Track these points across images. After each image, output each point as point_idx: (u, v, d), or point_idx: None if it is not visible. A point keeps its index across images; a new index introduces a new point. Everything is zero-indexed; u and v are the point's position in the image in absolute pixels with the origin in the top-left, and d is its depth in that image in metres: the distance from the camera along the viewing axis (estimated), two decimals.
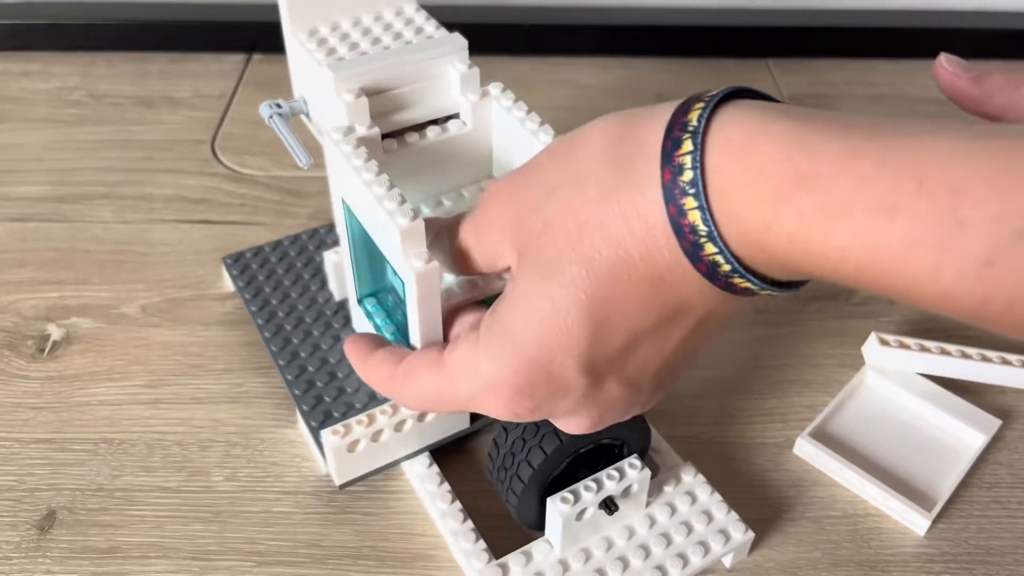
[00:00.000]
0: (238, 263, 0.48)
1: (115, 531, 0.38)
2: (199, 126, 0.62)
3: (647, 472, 0.35)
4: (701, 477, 0.38)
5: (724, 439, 0.42)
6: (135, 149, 0.60)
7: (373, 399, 0.41)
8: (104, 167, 0.59)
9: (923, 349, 0.43)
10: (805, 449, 0.41)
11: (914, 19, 0.72)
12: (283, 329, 0.44)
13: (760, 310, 0.49)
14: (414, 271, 0.32)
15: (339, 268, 0.44)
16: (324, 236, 0.50)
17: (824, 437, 0.41)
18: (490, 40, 0.70)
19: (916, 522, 0.38)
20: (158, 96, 0.66)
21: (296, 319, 0.45)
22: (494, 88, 0.38)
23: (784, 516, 0.39)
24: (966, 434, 0.42)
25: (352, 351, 0.33)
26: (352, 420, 0.37)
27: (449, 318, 0.33)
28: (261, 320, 0.45)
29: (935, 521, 0.38)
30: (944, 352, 0.43)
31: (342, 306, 0.46)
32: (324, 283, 0.47)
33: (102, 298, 0.49)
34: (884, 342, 0.43)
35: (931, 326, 0.47)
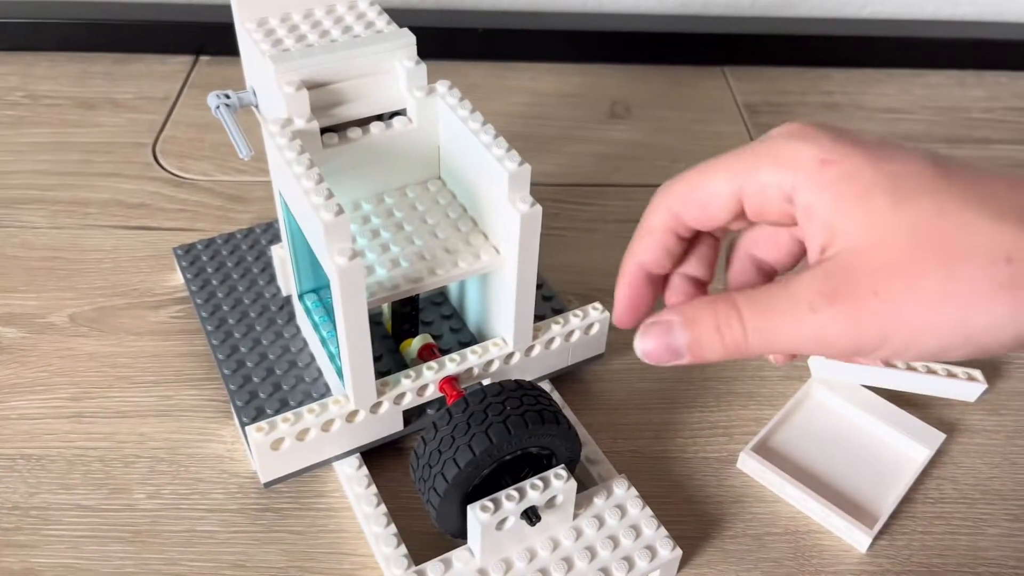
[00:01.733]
0: (188, 254, 0.48)
1: (30, 551, 0.36)
2: (141, 129, 0.61)
3: (573, 483, 0.34)
4: (633, 491, 0.37)
5: (666, 453, 0.41)
6: (73, 152, 0.58)
7: (309, 397, 0.40)
8: (39, 171, 0.57)
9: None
10: (748, 464, 0.40)
11: (868, 28, 0.72)
12: (226, 323, 0.44)
13: None
14: (336, 267, 0.31)
15: (285, 263, 0.43)
16: (278, 230, 0.49)
17: (767, 451, 0.41)
18: (443, 44, 0.69)
19: (857, 539, 0.37)
20: (99, 97, 0.64)
21: (240, 313, 0.44)
22: (441, 86, 0.37)
23: (724, 533, 0.38)
24: (910, 448, 0.41)
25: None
26: (278, 418, 0.36)
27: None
28: (205, 312, 0.44)
29: (877, 537, 0.38)
30: (890, 364, 0.42)
31: (288, 302, 0.45)
32: (272, 278, 0.46)
33: (29, 307, 0.47)
34: None
35: None
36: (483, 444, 0.32)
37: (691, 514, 0.39)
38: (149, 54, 0.68)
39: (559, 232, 0.54)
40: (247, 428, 0.36)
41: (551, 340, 0.41)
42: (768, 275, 0.30)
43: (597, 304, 0.42)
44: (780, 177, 0.26)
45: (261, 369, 0.41)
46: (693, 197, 0.28)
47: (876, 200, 0.25)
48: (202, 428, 0.41)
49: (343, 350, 0.34)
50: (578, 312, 0.42)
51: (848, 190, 0.25)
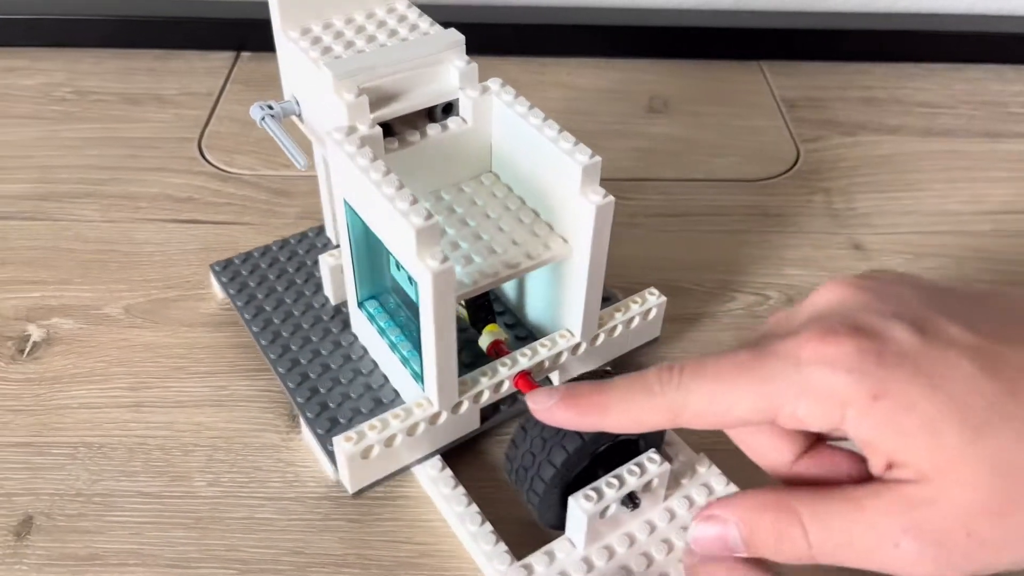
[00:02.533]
0: (227, 270, 0.47)
1: (94, 537, 0.37)
2: (186, 124, 0.62)
3: (667, 466, 0.34)
4: (715, 468, 0.37)
5: (724, 447, 0.41)
6: (120, 147, 0.59)
7: (379, 404, 0.40)
8: (89, 165, 0.58)
9: None
10: None
11: (907, 22, 0.71)
12: (280, 336, 0.43)
13: (756, 314, 0.48)
14: (430, 271, 0.31)
15: (335, 272, 0.43)
16: (314, 239, 0.49)
17: None
18: (479, 40, 0.69)
19: None
20: (144, 93, 0.65)
21: (293, 325, 0.44)
22: (493, 84, 0.38)
23: None
24: None
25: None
26: (364, 425, 0.36)
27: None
28: (256, 327, 0.44)
29: None
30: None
31: (338, 310, 0.44)
32: (318, 288, 0.46)
33: (84, 298, 0.48)
34: None
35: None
36: (576, 443, 0.32)
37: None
38: (191, 50, 0.69)
39: None
40: (335, 439, 0.36)
41: (614, 328, 0.41)
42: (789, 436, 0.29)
43: (653, 289, 0.43)
44: (823, 413, 0.25)
45: (326, 379, 0.41)
46: (709, 418, 0.26)
47: (946, 434, 0.23)
48: (257, 418, 0.42)
49: (429, 353, 0.34)
50: (636, 299, 0.42)
51: (909, 424, 0.24)
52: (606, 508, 0.33)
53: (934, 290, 0.27)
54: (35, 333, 0.46)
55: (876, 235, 0.54)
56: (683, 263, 0.51)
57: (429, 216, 0.31)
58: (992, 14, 0.73)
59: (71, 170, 0.57)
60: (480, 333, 0.42)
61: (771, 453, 0.29)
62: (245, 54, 0.69)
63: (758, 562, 0.28)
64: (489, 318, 0.42)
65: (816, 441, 0.29)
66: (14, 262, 0.50)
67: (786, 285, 0.50)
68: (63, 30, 0.69)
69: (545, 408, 0.29)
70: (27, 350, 0.45)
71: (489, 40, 0.69)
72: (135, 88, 0.65)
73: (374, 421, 0.36)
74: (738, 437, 0.30)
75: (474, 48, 0.67)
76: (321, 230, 0.49)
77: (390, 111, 0.37)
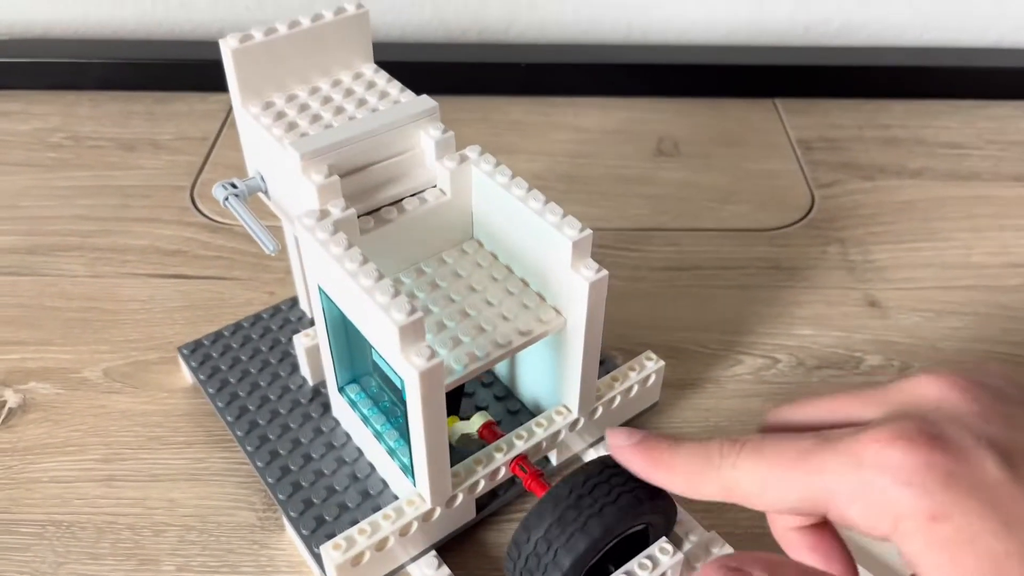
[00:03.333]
0: (196, 353, 0.44)
1: None
2: (179, 171, 0.60)
3: (680, 556, 0.32)
4: (728, 547, 0.35)
5: (730, 526, 0.39)
6: (112, 196, 0.58)
7: (367, 496, 0.37)
8: (79, 215, 0.56)
9: None
10: None
11: (930, 57, 0.68)
12: (257, 425, 0.41)
13: (763, 380, 0.45)
14: (417, 369, 0.29)
15: (311, 352, 0.41)
16: (287, 313, 0.46)
17: None
18: (485, 80, 0.67)
19: None
20: (140, 139, 0.64)
21: (270, 412, 0.41)
22: (471, 152, 0.36)
23: None
24: None
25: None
26: (354, 531, 0.33)
27: None
28: (231, 417, 0.41)
29: None
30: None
31: (317, 392, 0.42)
32: (294, 367, 0.43)
33: (64, 360, 0.46)
34: None
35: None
36: (584, 542, 0.30)
37: None
38: (190, 92, 0.68)
39: None
40: (323, 547, 0.33)
41: (613, 399, 0.39)
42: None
43: (651, 354, 0.40)
44: (875, 522, 0.23)
45: (308, 472, 0.38)
46: (761, 503, 0.25)
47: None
48: (233, 494, 0.40)
49: (419, 452, 0.32)
50: (634, 366, 0.40)
51: (967, 559, 0.22)
52: None
53: None
54: (11, 399, 0.44)
55: (894, 290, 0.51)
56: (689, 322, 0.49)
57: (412, 311, 0.29)
58: (1018, 47, 0.70)
59: (61, 221, 0.56)
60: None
61: (802, 557, 0.28)
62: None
63: None
64: (455, 406, 0.39)
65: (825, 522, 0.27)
66: None
67: (796, 347, 0.47)
68: (61, 73, 0.68)
69: (620, 447, 0.29)
70: (2, 417, 0.43)
71: (496, 80, 0.68)
72: (131, 133, 0.64)
73: (363, 525, 0.33)
74: (775, 531, 0.29)
75: (480, 88, 0.66)
76: (295, 302, 0.47)
77: (368, 204, 0.35)
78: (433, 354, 0.29)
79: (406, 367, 0.29)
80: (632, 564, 0.32)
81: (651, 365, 0.40)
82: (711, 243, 0.54)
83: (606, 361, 0.43)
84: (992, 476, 0.22)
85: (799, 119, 0.66)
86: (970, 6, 0.70)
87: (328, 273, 0.32)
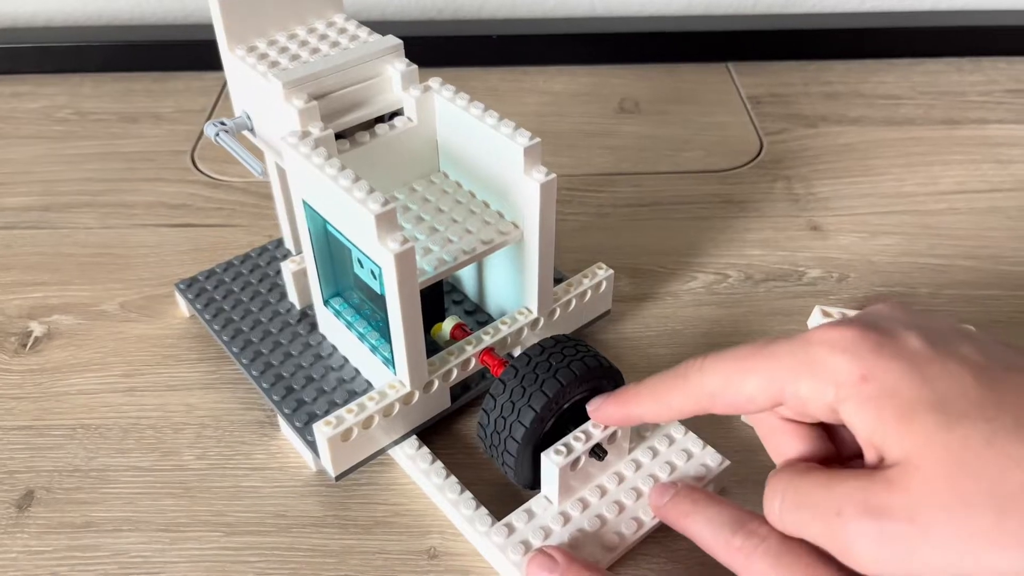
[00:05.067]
0: (192, 287, 0.48)
1: (90, 507, 0.39)
2: (180, 138, 0.65)
3: None
4: (676, 421, 0.40)
5: None
6: (118, 161, 0.63)
7: (353, 395, 0.42)
8: (88, 178, 0.61)
9: None
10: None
11: (869, 20, 0.74)
12: (251, 343, 0.45)
13: (715, 292, 0.50)
14: (392, 253, 0.33)
15: (298, 276, 0.45)
16: (274, 252, 0.51)
17: None
18: (462, 52, 0.73)
19: None
20: (142, 112, 0.68)
21: (262, 332, 0.45)
22: (434, 82, 0.41)
23: (731, 478, 0.40)
24: None
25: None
26: (342, 410, 0.38)
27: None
28: (227, 337, 0.45)
29: None
30: None
31: (304, 314, 0.46)
32: (283, 295, 0.47)
33: (83, 297, 0.51)
34: (827, 315, 0.45)
35: (875, 302, 0.49)
36: (541, 400, 0.35)
37: None
38: (186, 71, 0.73)
39: (572, 217, 0.57)
40: (315, 425, 0.37)
41: (569, 302, 0.44)
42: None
43: (601, 264, 0.45)
44: (819, 391, 0.26)
45: (300, 377, 0.42)
46: (724, 399, 0.29)
47: (920, 420, 0.24)
48: (244, 398, 0.45)
49: (397, 335, 0.36)
50: (587, 273, 0.45)
51: (888, 407, 0.24)
52: (576, 460, 0.36)
53: (968, 329, 0.28)
54: (36, 329, 0.49)
55: (834, 216, 0.56)
56: (649, 248, 0.54)
57: (386, 202, 0.33)
58: (951, 9, 0.76)
59: (71, 183, 0.61)
60: (428, 329, 0.44)
61: (786, 448, 0.30)
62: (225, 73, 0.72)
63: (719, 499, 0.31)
64: (439, 314, 0.44)
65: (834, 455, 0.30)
66: (18, 267, 0.53)
67: (746, 264, 0.52)
68: (66, 57, 0.73)
69: (595, 409, 0.35)
70: (29, 344, 0.48)
71: (472, 52, 0.73)
72: (133, 108, 0.69)
73: (351, 405, 0.38)
74: (762, 433, 0.31)
75: (457, 60, 0.71)
76: (280, 243, 0.51)
77: (342, 123, 0.40)
78: (406, 240, 0.34)
79: (382, 252, 0.34)
80: (587, 425, 0.36)
81: (602, 273, 0.45)
82: (669, 183, 0.60)
83: (563, 279, 0.48)
84: (915, 346, 0.25)
85: (749, 79, 0.72)
86: None
87: (311, 183, 0.37)
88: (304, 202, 0.38)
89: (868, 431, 0.25)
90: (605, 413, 0.35)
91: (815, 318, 0.45)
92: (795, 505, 0.26)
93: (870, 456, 0.25)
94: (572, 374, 0.35)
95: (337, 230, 0.37)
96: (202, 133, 0.66)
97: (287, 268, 0.46)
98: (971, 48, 0.73)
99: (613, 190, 0.59)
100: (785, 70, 0.73)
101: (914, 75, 0.72)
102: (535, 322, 0.43)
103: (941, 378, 0.24)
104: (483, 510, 0.37)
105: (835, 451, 0.30)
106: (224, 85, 0.71)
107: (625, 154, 0.63)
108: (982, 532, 0.22)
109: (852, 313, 0.45)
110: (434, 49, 0.71)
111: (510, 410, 0.35)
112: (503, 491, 0.39)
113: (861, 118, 0.66)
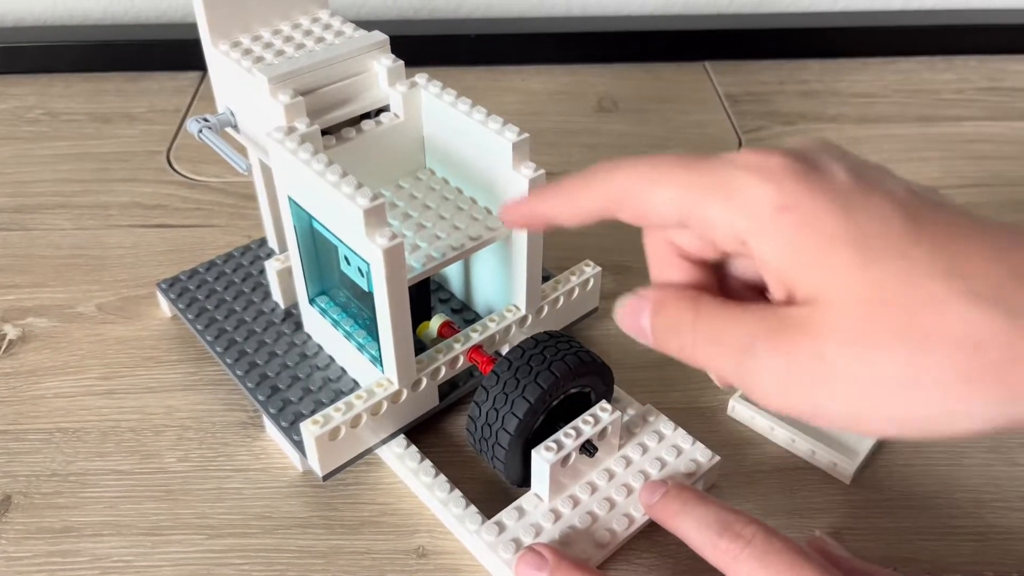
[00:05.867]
0: (174, 287, 0.47)
1: (69, 512, 0.39)
2: (154, 139, 0.64)
3: (618, 414, 0.37)
4: (663, 416, 0.40)
5: (664, 405, 0.44)
6: (92, 161, 0.62)
7: (340, 394, 0.41)
8: (61, 179, 0.60)
9: None
10: (738, 411, 0.43)
11: (842, 20, 0.75)
12: (235, 342, 0.44)
13: None
14: (380, 248, 0.33)
15: (283, 275, 0.45)
16: (257, 251, 0.50)
17: None
18: (438, 52, 0.72)
19: (842, 471, 0.40)
20: (115, 112, 0.67)
21: (246, 331, 0.45)
22: (420, 78, 0.41)
23: (720, 474, 0.40)
24: None
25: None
26: (330, 409, 0.37)
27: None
28: (210, 337, 0.44)
29: (860, 470, 0.40)
30: None
31: (289, 313, 0.46)
32: (267, 294, 0.47)
33: (58, 299, 0.50)
34: None
35: None
36: (536, 392, 0.35)
37: None
38: (159, 72, 0.72)
39: None
40: (302, 424, 0.37)
41: (557, 299, 0.44)
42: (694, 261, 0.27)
43: (589, 261, 0.45)
44: (731, 218, 0.24)
45: (285, 377, 0.42)
46: (631, 203, 0.26)
47: (837, 255, 0.22)
48: (225, 399, 0.44)
49: (385, 331, 0.36)
50: (574, 271, 0.45)
51: (806, 241, 0.23)
52: (566, 457, 0.35)
53: (900, 177, 0.25)
54: (11, 332, 0.48)
55: None
56: (631, 246, 0.53)
57: (375, 197, 0.33)
58: (923, 8, 0.77)
59: (44, 184, 0.59)
60: (415, 328, 0.43)
61: (672, 274, 0.27)
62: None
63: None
64: (426, 313, 0.44)
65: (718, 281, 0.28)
66: None
67: None
68: (35, 57, 0.72)
69: (505, 209, 0.31)
70: (3, 347, 0.47)
71: (449, 52, 0.73)
72: (105, 108, 0.68)
73: (339, 404, 0.37)
74: (651, 252, 0.28)
75: (433, 60, 0.71)
76: (263, 242, 0.51)
77: (328, 119, 0.39)
78: (395, 235, 0.33)
79: (371, 248, 0.33)
80: (577, 421, 0.36)
81: (589, 270, 0.45)
82: None
83: (549, 277, 0.48)
84: (840, 179, 0.23)
85: (726, 78, 0.72)
86: None
87: (297, 179, 0.36)
88: (290, 198, 0.38)
89: (781, 265, 0.23)
90: (515, 212, 0.31)
91: None
92: (708, 339, 0.24)
93: (778, 293, 0.24)
94: (566, 367, 0.35)
95: (324, 227, 0.36)
96: (177, 133, 0.65)
97: (271, 267, 0.45)
98: (943, 47, 0.74)
99: None
100: (761, 69, 0.73)
101: (888, 74, 0.72)
102: (523, 319, 0.42)
103: (865, 212, 0.22)
104: (473, 508, 0.37)
105: (717, 288, 0.27)
106: (199, 85, 0.70)
107: (605, 152, 0.63)
108: (890, 375, 0.21)
109: None
110: (410, 49, 0.70)
111: (503, 402, 0.35)
112: (492, 489, 0.39)
113: (838, 116, 0.67)
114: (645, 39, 0.74)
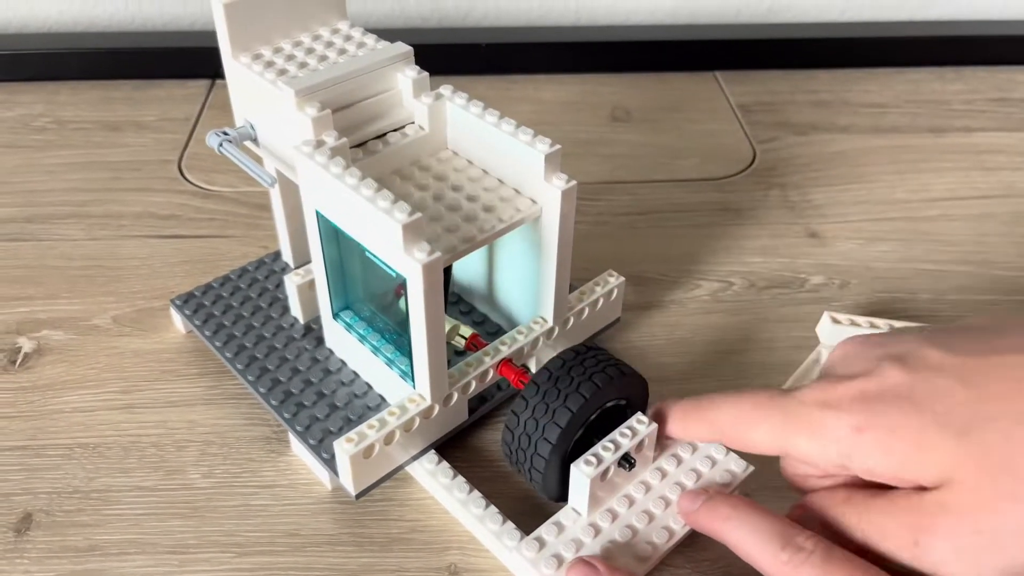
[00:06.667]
0: (189, 303, 0.47)
1: (93, 530, 0.38)
2: (165, 147, 0.64)
3: (654, 426, 0.36)
4: None
5: None
6: (102, 170, 0.61)
7: (368, 410, 0.41)
8: (71, 188, 0.59)
9: (872, 326, 0.45)
10: None
11: (851, 30, 0.76)
12: (255, 359, 0.43)
13: (720, 299, 0.50)
14: (420, 263, 0.32)
15: (303, 290, 0.44)
16: (271, 265, 0.49)
17: None
18: (448, 61, 0.72)
19: None
20: (124, 120, 0.67)
21: (266, 347, 0.44)
22: (445, 90, 0.40)
23: (751, 485, 0.40)
24: None
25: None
26: (363, 426, 0.36)
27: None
28: (230, 353, 0.44)
29: None
30: (893, 329, 0.45)
31: (309, 328, 0.45)
32: (285, 309, 0.46)
33: (73, 311, 0.49)
34: (836, 321, 0.45)
35: (879, 308, 0.50)
36: (579, 402, 0.34)
37: None
38: (168, 79, 0.71)
39: None
40: (336, 442, 0.36)
41: (582, 311, 0.43)
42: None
43: (612, 272, 0.45)
44: (821, 449, 0.29)
45: (310, 393, 0.41)
46: (735, 437, 0.32)
47: (935, 445, 0.26)
48: (248, 413, 0.43)
49: (420, 347, 0.35)
50: (599, 282, 0.44)
51: (896, 445, 0.27)
52: (606, 471, 0.35)
53: (927, 329, 0.31)
54: (26, 345, 0.47)
55: (830, 223, 0.57)
56: (650, 256, 0.54)
57: (412, 212, 0.32)
58: (930, 19, 0.77)
59: (54, 193, 0.59)
60: None
61: (803, 481, 0.33)
62: (221, 81, 0.71)
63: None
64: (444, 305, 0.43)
65: None
66: (1, 281, 0.51)
67: (748, 272, 0.52)
68: (41, 64, 0.71)
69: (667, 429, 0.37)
70: (19, 361, 0.46)
71: (459, 61, 0.73)
72: (114, 116, 0.67)
73: (372, 420, 0.37)
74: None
75: (444, 68, 0.70)
76: (278, 255, 0.50)
77: (356, 137, 0.39)
78: (433, 250, 0.33)
79: (410, 263, 0.33)
80: (614, 434, 0.36)
81: (613, 280, 0.45)
82: (665, 192, 0.60)
83: (572, 288, 0.47)
84: (895, 379, 0.28)
85: (737, 87, 0.72)
86: None
87: (327, 193, 0.36)
88: (317, 212, 0.37)
89: (890, 470, 0.27)
90: (666, 429, 0.37)
91: (824, 324, 0.45)
92: (875, 535, 0.28)
93: (905, 487, 0.27)
94: (608, 377, 0.35)
95: (357, 241, 0.36)
96: (188, 142, 0.64)
97: (291, 281, 0.44)
98: (952, 57, 0.75)
99: (610, 198, 0.59)
100: (771, 79, 0.73)
101: (897, 84, 0.73)
102: (550, 331, 0.42)
103: (930, 396, 0.26)
104: (510, 524, 0.36)
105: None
106: (209, 93, 0.70)
107: (620, 162, 0.63)
108: None
109: (860, 319, 0.45)
110: (420, 57, 0.70)
111: (543, 411, 0.35)
112: (525, 504, 0.39)
113: (850, 126, 0.67)
114: (656, 48, 0.74)
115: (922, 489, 0.27)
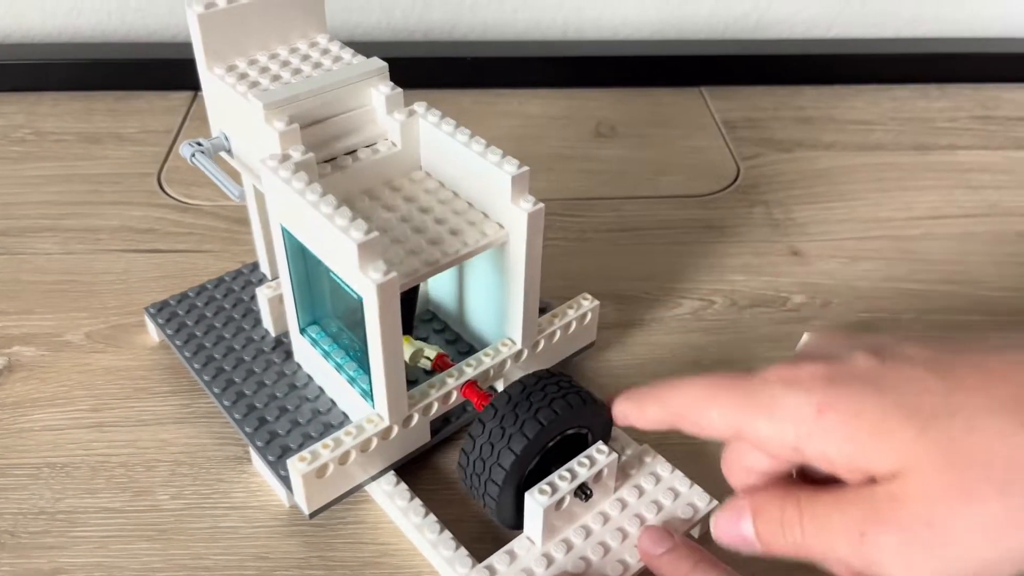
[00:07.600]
0: (162, 312, 0.46)
1: (58, 552, 0.37)
2: (145, 160, 0.63)
3: (614, 456, 0.36)
4: (660, 457, 0.39)
5: (662, 445, 0.43)
6: (80, 183, 0.60)
7: (329, 427, 0.40)
8: (49, 200, 0.59)
9: None
10: None
11: (836, 47, 0.76)
12: (223, 370, 0.43)
13: (701, 318, 0.50)
14: (374, 283, 0.32)
15: (274, 303, 0.44)
16: (249, 276, 0.49)
17: None
18: (434, 74, 0.72)
19: None
20: (104, 132, 0.66)
21: (235, 359, 0.44)
22: (419, 107, 0.40)
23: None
24: None
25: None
26: (318, 445, 0.36)
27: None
28: (198, 364, 0.43)
29: None
30: None
31: (279, 342, 0.45)
32: (257, 321, 0.46)
33: (45, 327, 0.49)
34: None
35: (861, 328, 0.49)
36: (535, 428, 0.33)
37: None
38: (150, 91, 0.71)
39: (552, 242, 0.56)
40: (289, 460, 0.36)
41: (553, 334, 0.43)
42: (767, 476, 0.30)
43: (587, 295, 0.44)
44: (779, 430, 0.26)
45: (273, 408, 0.41)
46: (691, 418, 0.29)
47: (895, 432, 0.24)
48: (220, 432, 0.43)
49: (378, 367, 0.35)
50: (572, 304, 0.44)
51: (857, 429, 0.25)
52: (560, 500, 0.34)
53: (904, 334, 0.30)
54: None
55: (813, 242, 0.56)
56: (632, 274, 0.53)
57: (369, 231, 0.32)
58: (915, 37, 0.77)
59: (31, 206, 0.58)
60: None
61: (752, 476, 0.30)
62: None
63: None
64: (407, 328, 0.42)
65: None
66: None
67: (730, 290, 0.52)
68: (22, 75, 0.70)
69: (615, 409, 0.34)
70: None
71: (444, 74, 0.72)
72: (94, 127, 0.67)
73: (327, 440, 0.36)
74: (726, 468, 0.32)
75: (429, 82, 0.70)
76: (255, 267, 0.50)
77: (325, 153, 0.38)
78: (388, 270, 0.32)
79: (364, 282, 0.32)
80: (572, 463, 0.35)
81: (587, 304, 0.44)
82: (649, 208, 0.59)
83: (547, 307, 0.47)
84: (865, 366, 0.26)
85: (723, 103, 0.72)
86: (870, 6, 0.77)
87: (290, 208, 0.35)
88: (282, 227, 0.37)
89: (846, 458, 0.25)
90: (616, 412, 0.34)
91: (804, 343, 0.45)
92: (818, 532, 0.26)
93: (855, 479, 0.26)
94: (567, 405, 0.34)
95: (317, 257, 0.35)
96: (169, 154, 0.64)
97: (263, 294, 0.44)
98: (937, 75, 0.74)
99: (592, 215, 0.59)
100: (757, 95, 0.73)
101: (883, 101, 0.73)
102: (518, 354, 0.42)
103: (898, 383, 0.25)
104: (463, 551, 0.36)
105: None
106: (191, 105, 0.69)
107: (603, 178, 0.63)
108: (993, 517, 0.23)
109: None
110: (405, 71, 0.70)
111: (490, 451, 0.34)
112: (486, 529, 0.38)
113: (834, 143, 0.67)
114: (641, 64, 0.73)
115: (873, 483, 0.26)
